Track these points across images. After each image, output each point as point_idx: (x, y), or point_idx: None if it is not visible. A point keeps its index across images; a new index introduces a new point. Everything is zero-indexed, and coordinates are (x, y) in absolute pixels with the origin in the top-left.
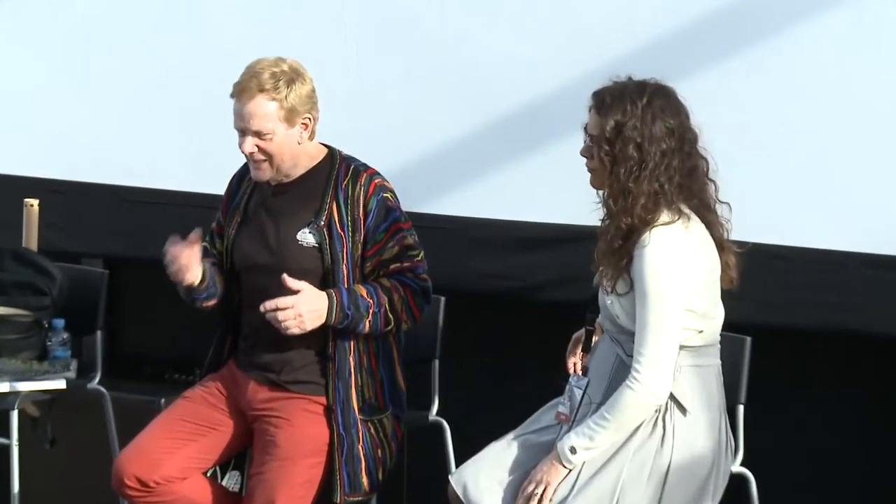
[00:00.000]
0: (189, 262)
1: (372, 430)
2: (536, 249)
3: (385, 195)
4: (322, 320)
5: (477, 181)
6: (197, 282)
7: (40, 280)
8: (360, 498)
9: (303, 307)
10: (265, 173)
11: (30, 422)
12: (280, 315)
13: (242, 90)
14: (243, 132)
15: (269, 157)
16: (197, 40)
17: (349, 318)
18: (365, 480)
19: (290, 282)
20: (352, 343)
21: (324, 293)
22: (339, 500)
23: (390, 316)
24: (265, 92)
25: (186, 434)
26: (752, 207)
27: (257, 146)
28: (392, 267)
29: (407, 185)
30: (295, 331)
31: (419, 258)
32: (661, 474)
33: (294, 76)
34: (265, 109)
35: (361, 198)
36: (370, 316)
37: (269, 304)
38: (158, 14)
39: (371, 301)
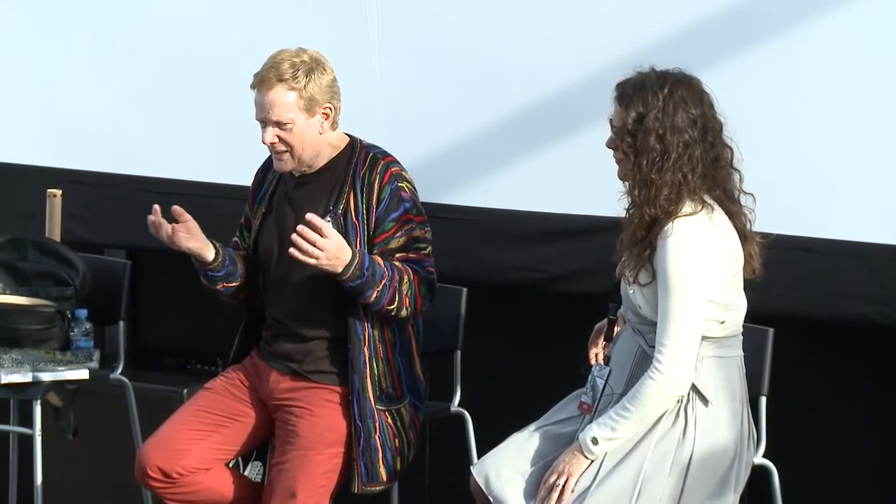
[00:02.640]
0: (174, 234)
1: (389, 420)
2: (559, 240)
3: (400, 185)
4: (336, 270)
5: (499, 172)
6: (210, 257)
7: (63, 270)
8: (377, 488)
9: (331, 249)
10: (287, 164)
11: (52, 412)
12: (310, 236)
13: (262, 81)
14: (264, 123)
15: (290, 148)
16: (219, 31)
17: (363, 279)
18: (382, 471)
19: (317, 220)
20: (366, 333)
21: (349, 248)
22: (356, 491)
23: (396, 295)
24: (284, 82)
25: (209, 425)
26: (778, 198)
27: (278, 136)
28: (398, 256)
29: (429, 176)
30: (307, 259)
31: (426, 252)
32: (682, 465)
33: (314, 66)
34: (284, 99)
35: (376, 185)
36: (381, 286)
37: (311, 222)
38: (181, 5)
39: (387, 273)
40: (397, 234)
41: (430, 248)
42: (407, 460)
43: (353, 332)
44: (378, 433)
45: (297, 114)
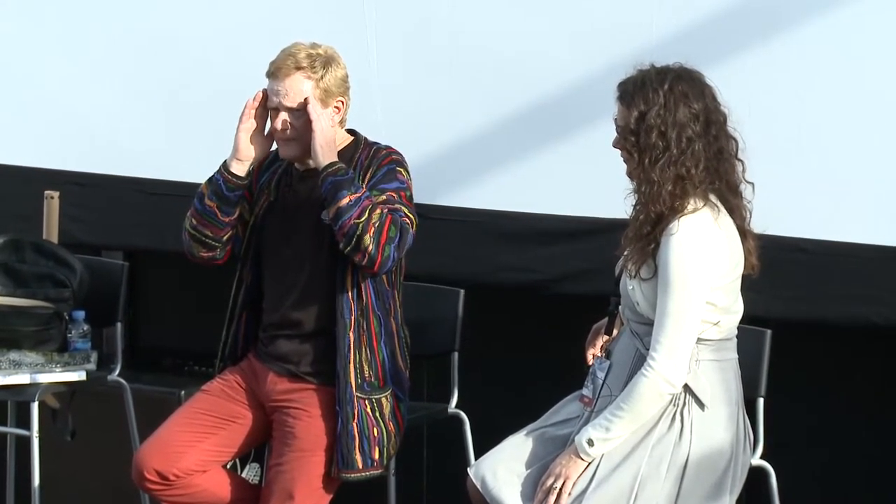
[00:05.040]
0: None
1: (368, 409)
2: (556, 242)
3: (398, 168)
4: (325, 153)
5: (497, 173)
6: (239, 171)
7: (61, 272)
8: (353, 475)
9: (328, 128)
10: (293, 151)
11: (50, 414)
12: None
13: (279, 68)
14: (276, 109)
15: (300, 136)
16: (218, 33)
17: (346, 176)
18: (358, 458)
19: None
20: (352, 317)
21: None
22: (333, 475)
23: (366, 214)
24: (302, 70)
25: (206, 427)
26: (776, 199)
27: (290, 123)
28: (379, 203)
29: (427, 177)
30: (292, 152)
31: (405, 217)
32: (679, 468)
33: (329, 59)
34: (301, 86)
35: (373, 168)
36: (355, 195)
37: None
38: (180, 7)
39: (363, 191)
40: (380, 196)
41: (412, 220)
42: (387, 451)
43: (340, 315)
44: (356, 420)
45: (312, 102)
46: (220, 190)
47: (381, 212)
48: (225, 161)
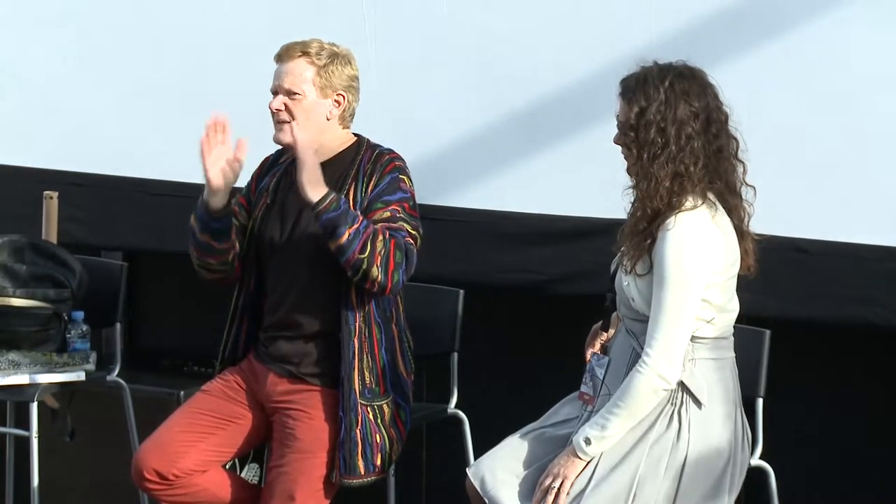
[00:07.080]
0: (220, 159)
1: (371, 416)
2: (557, 242)
3: (401, 176)
4: (315, 191)
5: (496, 174)
6: (218, 206)
7: (60, 272)
8: (355, 481)
9: (312, 172)
10: (286, 135)
11: (49, 414)
12: (303, 141)
13: (286, 51)
14: (276, 91)
15: (293, 120)
16: (218, 33)
17: (339, 212)
18: (360, 464)
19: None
20: (356, 325)
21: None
22: (334, 481)
23: (368, 246)
24: (307, 55)
25: (205, 427)
26: (775, 200)
27: (285, 104)
28: (380, 225)
29: (426, 178)
30: (286, 137)
31: (410, 235)
32: (677, 468)
33: (340, 55)
34: (302, 70)
35: (376, 174)
36: (354, 228)
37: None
38: (180, 7)
39: (360, 220)
40: (384, 211)
41: (415, 236)
42: (389, 457)
43: (345, 323)
44: (359, 427)
45: (310, 88)
46: (206, 225)
47: (384, 238)
48: (201, 197)
